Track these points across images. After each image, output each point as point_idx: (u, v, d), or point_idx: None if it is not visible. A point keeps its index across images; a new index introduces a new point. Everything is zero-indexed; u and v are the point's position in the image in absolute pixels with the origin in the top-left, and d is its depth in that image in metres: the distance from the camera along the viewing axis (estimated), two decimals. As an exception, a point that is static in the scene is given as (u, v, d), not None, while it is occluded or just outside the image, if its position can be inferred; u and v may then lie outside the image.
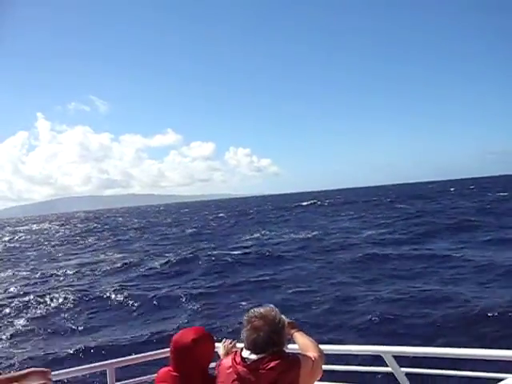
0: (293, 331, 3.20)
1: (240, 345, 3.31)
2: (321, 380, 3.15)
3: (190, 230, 49.55)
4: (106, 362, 4.36)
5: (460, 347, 3.37)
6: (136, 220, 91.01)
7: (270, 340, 2.68)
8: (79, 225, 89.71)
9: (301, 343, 3.13)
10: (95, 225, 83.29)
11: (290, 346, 3.22)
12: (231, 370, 2.72)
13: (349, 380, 4.35)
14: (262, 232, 38.71)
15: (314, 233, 33.96)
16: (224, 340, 3.58)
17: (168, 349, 3.10)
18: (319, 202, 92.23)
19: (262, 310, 2.82)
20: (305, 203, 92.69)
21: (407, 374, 3.71)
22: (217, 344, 3.42)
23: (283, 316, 2.87)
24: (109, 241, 44.66)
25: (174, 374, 2.97)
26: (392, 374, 3.73)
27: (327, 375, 3.51)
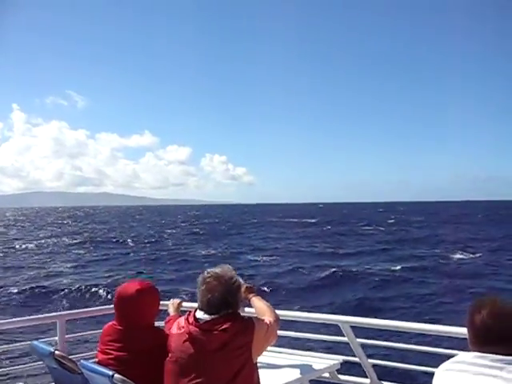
0: (250, 295, 3.21)
1: (187, 304, 3.67)
2: (276, 345, 3.33)
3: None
4: (57, 313, 4.34)
5: (415, 322, 3.58)
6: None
7: (224, 301, 2.66)
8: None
9: (257, 307, 3.11)
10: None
11: (247, 309, 3.34)
12: (183, 329, 2.68)
13: (304, 347, 4.29)
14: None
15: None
16: (172, 299, 3.65)
17: None
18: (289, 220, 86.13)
19: (218, 270, 2.77)
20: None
21: (362, 345, 3.74)
22: (165, 302, 3.57)
23: (240, 278, 2.83)
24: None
25: (118, 327, 2.93)
26: (348, 343, 3.75)
27: (283, 341, 3.63)
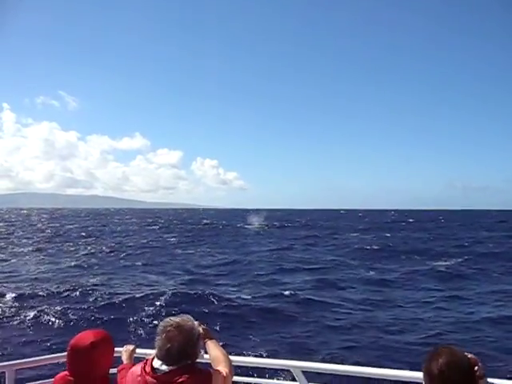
0: (206, 340, 3.15)
1: (140, 350, 3.56)
2: None
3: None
4: (5, 363, 4.14)
5: (370, 366, 3.54)
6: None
7: (183, 352, 2.65)
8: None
9: (213, 355, 3.06)
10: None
11: (206, 356, 3.19)
12: (140, 379, 2.64)
13: None
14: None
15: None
16: (125, 346, 3.51)
17: None
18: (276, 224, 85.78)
19: (178, 319, 2.77)
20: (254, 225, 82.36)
21: None
22: (118, 349, 3.41)
23: (198, 325, 2.88)
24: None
25: (71, 378, 2.84)
26: None
27: None
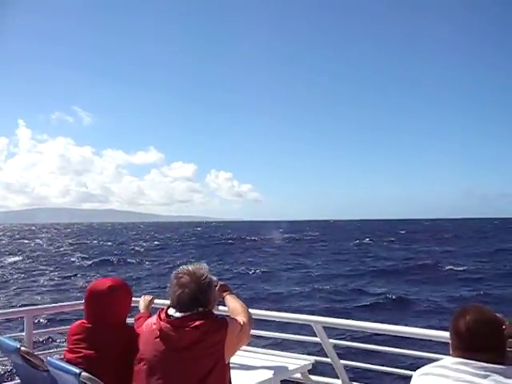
0: (225, 294, 3.18)
1: (159, 301, 3.56)
2: (249, 345, 3.32)
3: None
4: (24, 308, 4.24)
5: (391, 324, 3.52)
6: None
7: (194, 297, 2.64)
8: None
9: (231, 307, 3.07)
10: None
11: (221, 308, 3.32)
12: (155, 326, 2.65)
13: (277, 347, 4.32)
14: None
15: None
16: (143, 296, 3.57)
17: None
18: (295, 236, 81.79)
19: (190, 267, 2.76)
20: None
21: (335, 346, 3.74)
22: (137, 299, 3.49)
23: (214, 277, 2.82)
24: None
25: (87, 325, 2.86)
26: (320, 344, 3.76)
27: (255, 341, 3.60)
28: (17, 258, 43.20)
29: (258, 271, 31.11)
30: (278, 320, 4.23)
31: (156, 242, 66.86)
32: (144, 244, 62.23)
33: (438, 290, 22.19)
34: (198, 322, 2.57)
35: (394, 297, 19.94)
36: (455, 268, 30.53)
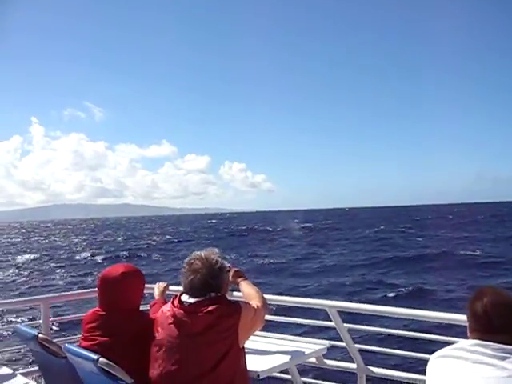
0: (239, 279, 3.17)
1: (173, 287, 3.61)
2: (263, 330, 3.25)
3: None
4: (40, 296, 4.25)
5: (405, 308, 3.48)
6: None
7: (206, 282, 2.65)
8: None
9: (245, 292, 3.07)
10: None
11: (235, 293, 3.29)
12: (168, 312, 2.67)
13: (292, 332, 4.34)
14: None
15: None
16: (158, 283, 3.63)
17: None
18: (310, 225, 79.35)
19: (203, 252, 2.78)
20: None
21: (349, 330, 3.74)
22: (151, 285, 3.61)
23: (226, 262, 2.83)
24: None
25: (101, 312, 2.86)
26: (335, 328, 3.76)
27: (271, 326, 3.58)
28: (31, 256, 43.20)
29: (274, 263, 30.58)
30: (292, 305, 4.28)
31: (168, 236, 66.46)
32: (157, 239, 61.65)
33: (458, 278, 21.76)
34: (211, 307, 2.58)
35: (411, 288, 19.54)
36: (474, 253, 29.95)
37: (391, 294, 18.44)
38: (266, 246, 45.58)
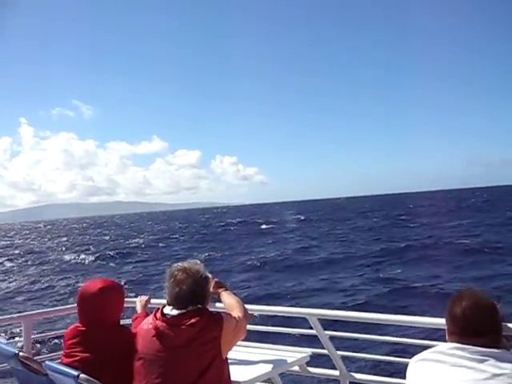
0: (220, 290, 3.19)
1: (155, 300, 3.60)
2: (245, 340, 3.25)
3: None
4: (22, 314, 4.19)
5: (385, 314, 3.48)
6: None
7: (192, 294, 2.65)
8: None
9: (226, 303, 3.10)
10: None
11: (218, 304, 3.31)
12: (151, 326, 2.66)
13: (273, 341, 4.30)
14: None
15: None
16: (139, 296, 3.64)
17: None
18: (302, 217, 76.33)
19: (185, 263, 2.78)
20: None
21: (331, 338, 3.72)
22: (132, 299, 3.63)
23: (208, 273, 2.84)
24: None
25: (82, 328, 2.85)
26: (316, 336, 3.75)
27: (252, 335, 3.57)
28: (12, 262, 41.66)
29: (267, 257, 29.87)
30: (272, 314, 4.33)
31: (159, 234, 65.43)
32: (149, 236, 60.72)
33: (455, 266, 21.41)
34: (193, 320, 2.58)
35: (406, 281, 18.98)
36: (469, 242, 28.86)
37: (385, 290, 17.79)
38: (260, 240, 44.58)
